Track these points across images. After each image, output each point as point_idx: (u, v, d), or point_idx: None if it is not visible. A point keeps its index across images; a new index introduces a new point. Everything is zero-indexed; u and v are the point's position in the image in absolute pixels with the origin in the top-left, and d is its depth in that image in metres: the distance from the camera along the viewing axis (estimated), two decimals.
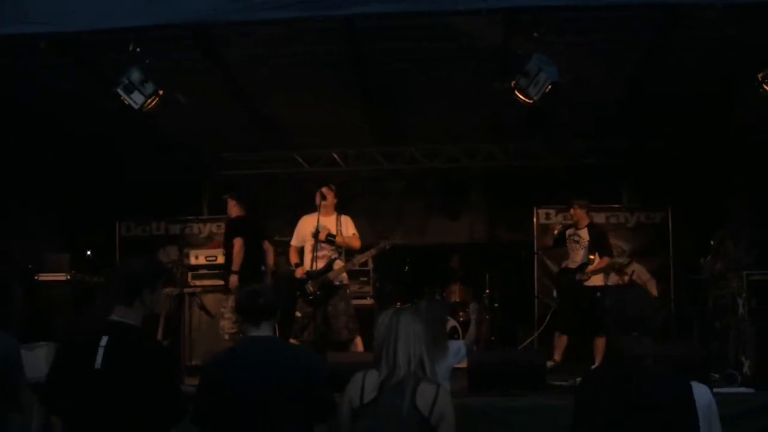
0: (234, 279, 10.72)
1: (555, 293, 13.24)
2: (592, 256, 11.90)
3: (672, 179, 14.87)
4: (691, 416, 4.34)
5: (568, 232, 12.28)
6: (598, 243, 11.79)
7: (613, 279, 14.03)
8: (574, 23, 9.30)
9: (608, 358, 4.38)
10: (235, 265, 10.82)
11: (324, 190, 10.52)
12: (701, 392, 6.15)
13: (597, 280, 11.80)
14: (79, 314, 11.29)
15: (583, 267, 11.82)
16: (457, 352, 7.57)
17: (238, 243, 10.84)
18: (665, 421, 4.24)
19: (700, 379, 6.32)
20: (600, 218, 14.64)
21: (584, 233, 12.00)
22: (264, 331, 4.89)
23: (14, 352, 5.67)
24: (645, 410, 4.17)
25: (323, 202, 10.46)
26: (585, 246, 11.93)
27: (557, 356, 11.62)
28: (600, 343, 11.22)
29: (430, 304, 7.17)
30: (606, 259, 11.71)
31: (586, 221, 12.07)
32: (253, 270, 10.97)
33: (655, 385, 4.22)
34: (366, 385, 4.73)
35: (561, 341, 11.79)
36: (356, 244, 10.53)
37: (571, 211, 12.28)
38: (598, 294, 11.44)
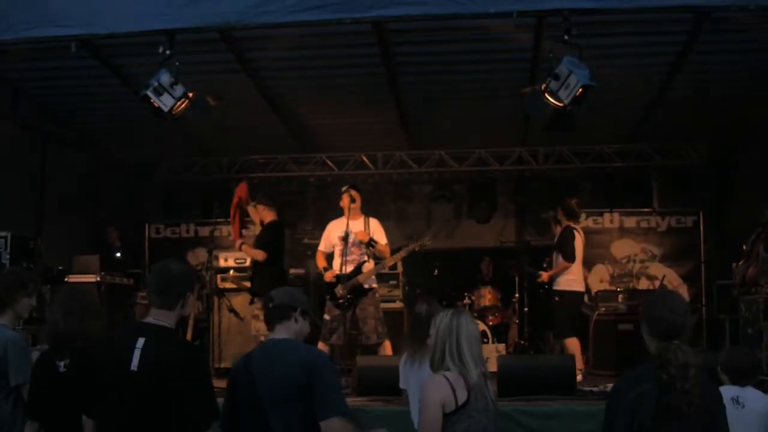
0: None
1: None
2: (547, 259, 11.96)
3: (704, 183, 14.77)
4: (725, 423, 4.32)
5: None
6: (561, 246, 11.51)
7: (644, 284, 13.97)
8: (605, 25, 9.24)
9: (645, 365, 4.29)
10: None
11: (353, 192, 10.44)
12: (760, 398, 6.11)
13: (574, 285, 11.34)
14: (111, 316, 11.34)
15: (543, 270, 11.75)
16: None
17: (261, 254, 10.84)
18: (705, 428, 4.21)
19: (753, 386, 6.28)
20: (631, 222, 14.59)
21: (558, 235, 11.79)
22: (278, 333, 4.92)
23: (13, 348, 5.72)
24: (688, 418, 4.14)
25: (352, 205, 10.38)
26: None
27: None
28: (571, 344, 10.98)
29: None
30: (562, 263, 11.37)
31: (564, 224, 11.72)
32: (280, 276, 11.00)
33: (700, 392, 4.18)
34: (455, 387, 4.83)
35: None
36: (387, 254, 10.48)
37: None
38: (556, 298, 11.28)
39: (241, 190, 11.64)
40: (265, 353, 4.85)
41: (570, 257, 11.17)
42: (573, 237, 11.28)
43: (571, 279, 11.27)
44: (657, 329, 4.43)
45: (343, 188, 10.59)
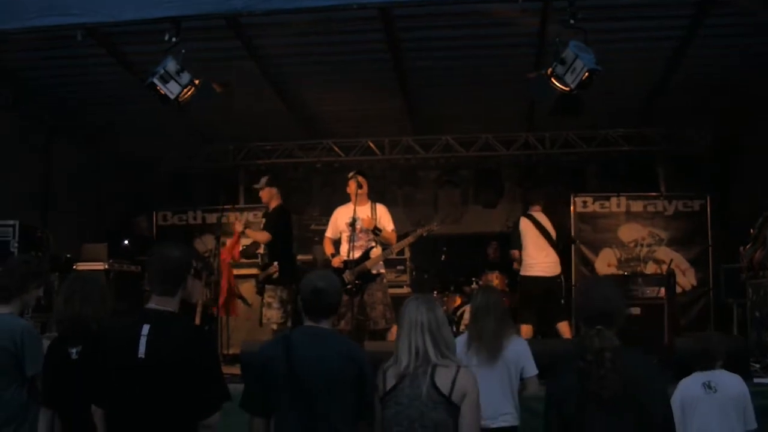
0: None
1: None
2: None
3: (710, 167, 14.74)
4: (662, 409, 4.25)
5: None
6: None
7: (651, 268, 13.96)
8: (610, 9, 9.23)
9: (574, 351, 4.27)
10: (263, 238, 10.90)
11: (360, 178, 10.42)
12: (734, 382, 6.11)
13: (528, 270, 11.68)
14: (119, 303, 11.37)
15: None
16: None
17: (265, 235, 10.80)
18: (639, 414, 4.15)
19: (739, 370, 6.28)
20: (637, 206, 14.55)
21: None
22: (322, 324, 4.89)
23: (29, 337, 5.75)
24: (610, 404, 4.10)
25: (359, 191, 10.36)
26: None
27: None
28: (562, 326, 11.30)
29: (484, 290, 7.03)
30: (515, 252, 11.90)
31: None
32: (291, 263, 10.99)
33: (622, 377, 4.12)
34: (387, 375, 4.85)
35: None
36: (394, 240, 10.47)
37: None
38: (558, 280, 11.70)
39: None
40: (312, 343, 4.78)
41: (513, 245, 11.84)
42: (516, 226, 11.85)
43: (527, 264, 11.67)
44: (585, 315, 4.44)
45: (350, 174, 10.60)
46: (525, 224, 11.75)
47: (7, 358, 5.68)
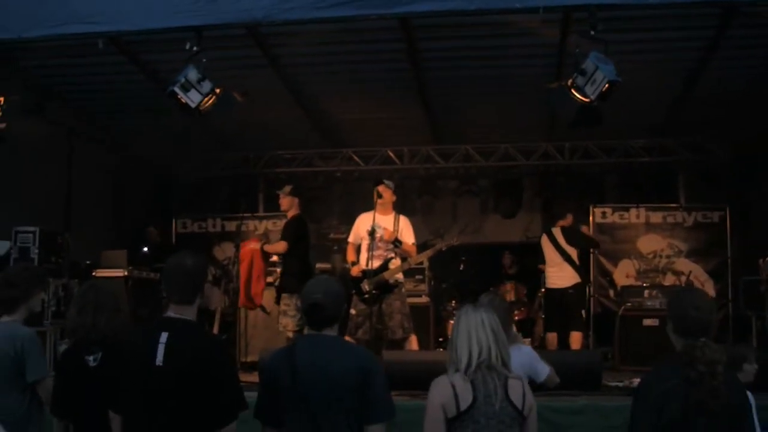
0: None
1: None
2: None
3: (730, 178, 14.68)
4: (751, 419, 4.34)
5: None
6: None
7: (670, 279, 13.91)
8: (631, 21, 9.19)
9: (672, 362, 4.28)
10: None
11: (380, 188, 10.36)
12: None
13: (548, 283, 12.57)
14: (137, 310, 11.39)
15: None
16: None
17: (281, 245, 10.77)
18: (733, 424, 4.24)
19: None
20: (657, 217, 14.53)
21: None
22: (325, 332, 4.84)
23: (30, 344, 5.77)
24: (716, 414, 4.15)
25: (379, 200, 10.33)
26: None
27: None
28: (573, 337, 11.91)
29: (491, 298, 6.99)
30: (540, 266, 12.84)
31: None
32: (308, 271, 10.97)
33: (727, 389, 4.19)
34: (458, 391, 4.68)
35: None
36: (413, 254, 10.43)
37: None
38: (570, 291, 12.22)
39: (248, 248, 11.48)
40: (314, 350, 4.75)
41: (538, 260, 12.73)
42: (539, 243, 12.71)
43: (546, 277, 12.62)
44: (682, 326, 4.43)
45: (387, 182, 10.53)
46: (543, 241, 12.52)
47: (8, 364, 5.69)
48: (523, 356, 6.57)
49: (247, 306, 11.20)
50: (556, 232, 12.34)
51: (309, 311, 4.80)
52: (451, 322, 8.38)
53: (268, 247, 11.01)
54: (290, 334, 10.41)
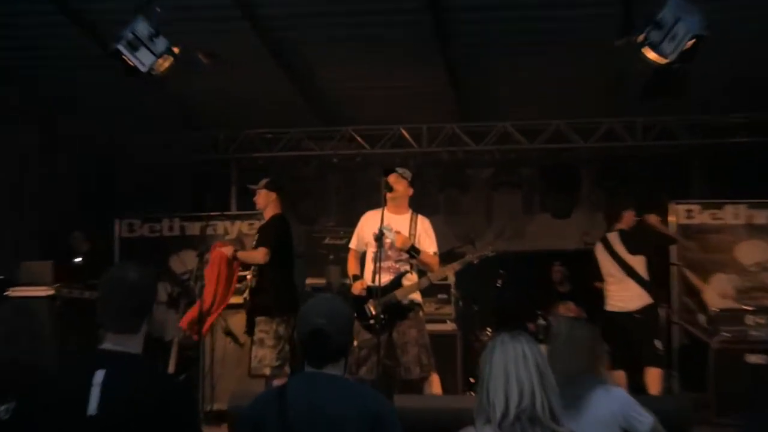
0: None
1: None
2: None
3: None
4: None
5: None
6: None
7: None
8: None
9: None
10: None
11: (391, 178, 10.32)
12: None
13: (608, 305, 12.19)
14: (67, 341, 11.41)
15: None
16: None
17: (261, 252, 10.79)
18: None
19: None
20: (761, 217, 14.42)
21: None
22: (328, 370, 4.85)
23: None
24: None
25: (390, 195, 10.29)
26: None
27: None
28: (653, 376, 11.56)
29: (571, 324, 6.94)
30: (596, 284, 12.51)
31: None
32: (290, 288, 10.99)
33: None
34: None
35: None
36: (435, 266, 10.40)
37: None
38: (637, 316, 11.86)
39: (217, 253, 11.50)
40: (313, 394, 4.78)
41: (595, 276, 12.38)
42: (593, 256, 12.40)
43: (606, 298, 12.20)
44: None
45: (399, 170, 10.50)
46: (598, 250, 12.23)
47: None
48: (615, 402, 6.47)
49: (193, 332, 11.24)
50: (613, 238, 12.14)
51: (309, 341, 4.81)
52: None
53: (242, 255, 11.03)
54: (267, 371, 10.44)
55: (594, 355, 6.42)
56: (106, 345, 4.71)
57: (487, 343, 4.94)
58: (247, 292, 11.04)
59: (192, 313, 11.00)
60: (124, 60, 8.53)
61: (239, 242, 13.09)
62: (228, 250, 11.00)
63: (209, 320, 11.02)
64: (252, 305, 10.79)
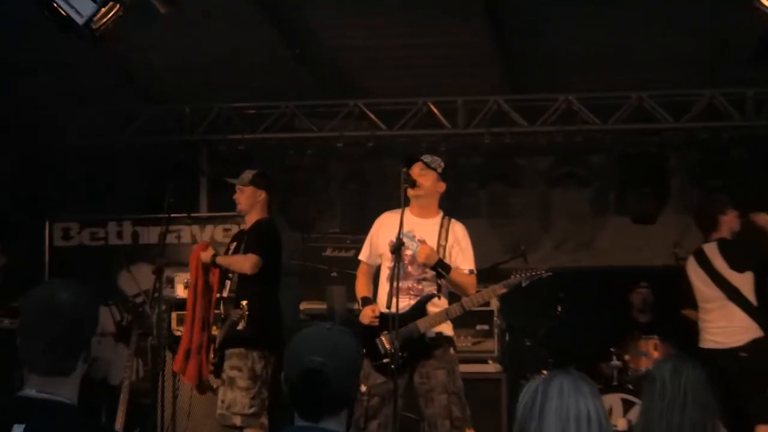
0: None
1: None
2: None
3: None
4: None
5: None
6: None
7: None
8: None
9: None
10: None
11: (415, 169, 10.27)
12: None
13: (703, 341, 12.10)
14: None
15: None
16: None
17: (250, 259, 10.79)
18: None
19: None
20: None
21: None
22: (326, 424, 4.83)
23: None
24: None
25: (412, 191, 10.22)
26: None
27: None
28: None
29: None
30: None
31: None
32: (275, 313, 10.99)
33: None
34: None
35: None
36: (471, 289, 10.33)
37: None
38: (743, 354, 11.80)
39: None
40: None
41: (686, 300, 12.46)
42: (684, 275, 12.36)
43: (700, 330, 12.18)
44: None
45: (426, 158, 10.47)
46: (691, 267, 12.15)
47: None
48: None
49: (184, 374, 11.25)
50: (710, 250, 12.07)
51: (301, 386, 4.78)
52: None
53: (224, 260, 11.02)
54: (237, 420, 10.45)
55: (712, 412, 6.30)
56: (29, 391, 4.69)
57: (536, 385, 4.82)
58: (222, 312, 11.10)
59: (184, 347, 11.03)
60: (56, 9, 8.53)
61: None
62: (206, 255, 11.00)
63: (193, 360, 11.01)
64: (226, 333, 10.78)
